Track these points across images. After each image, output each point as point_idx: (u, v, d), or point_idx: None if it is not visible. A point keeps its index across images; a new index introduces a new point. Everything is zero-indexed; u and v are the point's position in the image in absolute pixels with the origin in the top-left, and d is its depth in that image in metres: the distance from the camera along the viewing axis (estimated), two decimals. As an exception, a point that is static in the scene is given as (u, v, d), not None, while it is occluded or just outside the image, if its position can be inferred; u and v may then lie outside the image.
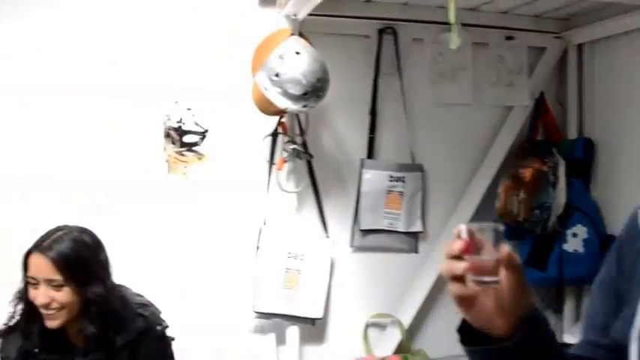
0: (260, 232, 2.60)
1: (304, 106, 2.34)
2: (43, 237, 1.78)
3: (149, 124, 2.56)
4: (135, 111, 2.55)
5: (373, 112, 2.80)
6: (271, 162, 2.63)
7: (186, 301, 2.52)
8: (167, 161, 2.58)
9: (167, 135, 2.55)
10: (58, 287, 1.74)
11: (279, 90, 2.29)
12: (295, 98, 2.30)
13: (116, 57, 2.53)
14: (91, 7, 2.53)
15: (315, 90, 2.32)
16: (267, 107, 2.43)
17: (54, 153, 2.49)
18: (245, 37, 2.58)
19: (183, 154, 2.56)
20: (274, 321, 2.67)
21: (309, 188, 2.70)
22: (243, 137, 2.64)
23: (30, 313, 1.80)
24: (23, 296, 1.81)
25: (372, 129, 2.80)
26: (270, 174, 2.63)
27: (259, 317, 2.64)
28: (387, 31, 2.80)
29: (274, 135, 2.62)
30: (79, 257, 1.78)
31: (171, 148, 2.55)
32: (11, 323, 1.84)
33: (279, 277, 2.62)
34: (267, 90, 2.31)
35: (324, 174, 2.73)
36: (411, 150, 2.82)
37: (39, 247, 1.76)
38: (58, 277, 1.73)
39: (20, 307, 1.83)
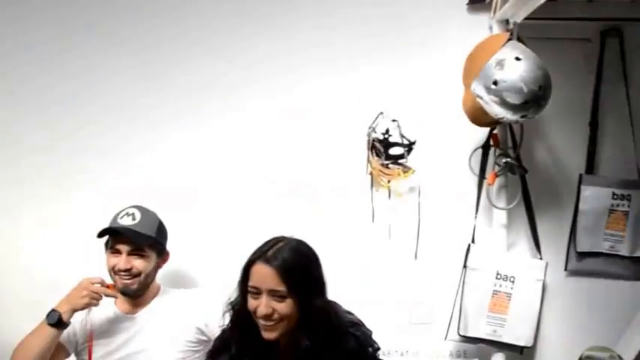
0: (468, 251, 2.45)
1: (523, 117, 2.16)
2: (264, 247, 1.76)
3: (353, 135, 2.52)
4: (340, 122, 2.54)
5: (594, 123, 2.54)
6: (481, 176, 2.46)
7: (386, 321, 2.44)
8: (371, 174, 2.51)
9: (372, 147, 2.48)
10: (281, 298, 1.70)
11: (497, 99, 2.13)
12: (514, 108, 2.12)
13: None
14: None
15: (536, 99, 2.12)
16: (480, 118, 2.28)
17: (264, 163, 2.57)
18: (453, 45, 2.47)
19: (388, 167, 2.48)
20: (479, 346, 2.49)
21: (521, 205, 2.50)
22: (451, 150, 2.51)
23: (244, 323, 1.78)
24: (237, 306, 1.80)
25: (593, 141, 2.54)
26: (479, 189, 2.47)
27: (463, 341, 2.48)
28: (611, 32, 2.54)
29: (485, 148, 2.45)
30: (303, 269, 1.74)
31: (376, 161, 2.48)
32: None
33: (486, 300, 2.44)
34: (483, 99, 2.16)
35: (537, 190, 2.52)
36: (637, 165, 2.52)
37: (263, 256, 1.73)
38: (282, 287, 1.70)
39: (230, 316, 1.82)
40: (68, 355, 2.24)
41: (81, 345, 2.23)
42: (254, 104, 2.58)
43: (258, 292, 1.73)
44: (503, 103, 2.12)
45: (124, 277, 2.18)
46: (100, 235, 2.21)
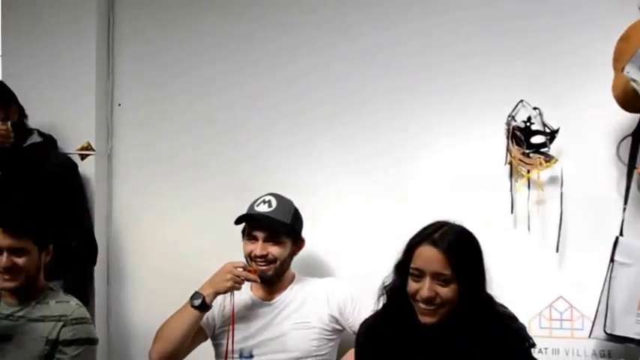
0: (616, 244, 2.31)
1: (682, 100, 2.02)
2: (428, 229, 1.75)
3: (492, 124, 2.46)
4: (479, 111, 2.50)
5: None
6: (631, 165, 2.32)
7: (523, 316, 2.34)
8: (510, 163, 2.44)
9: (512, 136, 2.41)
10: (445, 282, 1.68)
11: (651, 81, 2.01)
12: (672, 90, 2.00)
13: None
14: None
15: (696, 80, 1.99)
16: (631, 103, 2.15)
17: (402, 153, 2.59)
18: (599, 28, 2.36)
19: (529, 156, 2.39)
20: (626, 346, 2.35)
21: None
22: (596, 138, 2.39)
23: (399, 306, 1.77)
24: (392, 289, 1.79)
25: None
26: (629, 178, 2.33)
27: (609, 339, 2.35)
28: None
29: (636, 135, 2.32)
30: (469, 254, 1.73)
31: (517, 150, 2.40)
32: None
33: (637, 296, 2.29)
34: (637, 82, 2.04)
35: (691, 181, 2.35)
36: None
37: (429, 238, 1.71)
38: (447, 271, 1.67)
39: (383, 300, 1.82)
40: (206, 339, 2.31)
41: (218, 329, 2.29)
42: (397, 97, 2.59)
43: (421, 275, 1.70)
44: (660, 86, 2.00)
45: (260, 263, 2.23)
46: (238, 222, 2.27)
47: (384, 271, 2.28)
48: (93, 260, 2.65)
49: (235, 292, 2.25)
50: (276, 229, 2.23)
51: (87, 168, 2.72)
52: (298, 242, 2.32)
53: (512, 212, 2.43)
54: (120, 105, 2.84)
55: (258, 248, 2.22)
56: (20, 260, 2.13)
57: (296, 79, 2.70)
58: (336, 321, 2.25)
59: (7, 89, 2.52)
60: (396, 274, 1.79)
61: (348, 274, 2.52)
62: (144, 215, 2.82)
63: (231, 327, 2.24)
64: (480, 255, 1.76)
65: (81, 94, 2.77)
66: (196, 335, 2.25)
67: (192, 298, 2.18)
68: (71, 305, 2.23)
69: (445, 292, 1.68)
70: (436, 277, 1.68)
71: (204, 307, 2.17)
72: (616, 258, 2.30)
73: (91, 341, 2.21)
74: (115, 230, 2.85)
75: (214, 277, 2.21)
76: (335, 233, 2.59)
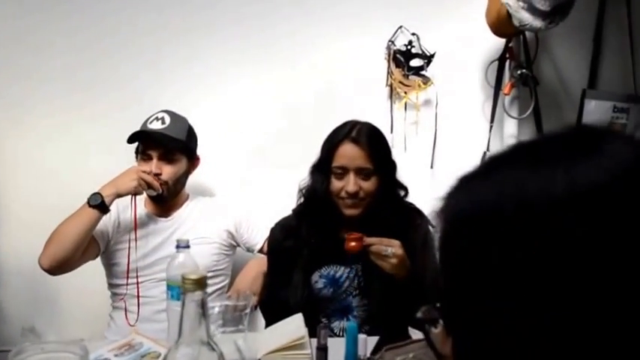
0: (483, 159, 2.55)
1: (550, 23, 2.26)
2: (344, 129, 1.85)
3: (372, 49, 2.58)
4: (359, 37, 2.58)
5: (597, 40, 2.67)
6: (497, 88, 2.57)
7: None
8: (390, 86, 2.57)
9: (393, 59, 2.54)
10: (367, 176, 1.79)
11: (524, 5, 2.22)
12: (542, 15, 2.22)
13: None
14: None
15: (563, 6, 2.23)
16: (503, 28, 2.36)
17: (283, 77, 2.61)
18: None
19: (408, 78, 2.54)
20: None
21: (530, 117, 2.62)
22: (468, 62, 2.60)
23: (318, 206, 1.86)
24: (310, 191, 1.88)
25: (596, 57, 2.68)
26: (495, 100, 2.57)
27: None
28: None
29: (501, 60, 2.55)
30: (385, 148, 1.84)
31: (399, 72, 2.54)
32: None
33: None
34: (511, 7, 2.25)
35: (544, 103, 2.63)
36: (635, 80, 2.68)
37: (348, 137, 1.81)
38: (369, 165, 1.78)
39: (299, 202, 1.93)
40: (98, 253, 2.21)
41: (112, 246, 2.21)
42: (282, 23, 2.59)
43: (344, 172, 1.81)
44: (532, 10, 2.22)
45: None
46: (130, 140, 2.19)
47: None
48: None
49: (128, 209, 2.19)
50: (170, 147, 2.18)
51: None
52: (193, 160, 2.29)
53: (391, 132, 2.57)
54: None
55: (153, 167, 2.16)
56: None
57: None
58: (232, 237, 2.28)
59: None
60: (314, 176, 1.88)
61: (235, 195, 2.54)
62: (17, 139, 2.58)
63: (130, 241, 2.17)
64: (388, 144, 1.93)
65: None
66: (89, 247, 2.13)
67: (90, 197, 2.05)
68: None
69: (368, 185, 1.83)
70: (359, 172, 1.81)
71: (103, 207, 2.05)
72: (483, 171, 2.55)
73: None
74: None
75: (117, 178, 2.11)
76: (223, 156, 2.58)
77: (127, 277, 2.15)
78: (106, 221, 2.17)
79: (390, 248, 1.74)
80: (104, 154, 2.49)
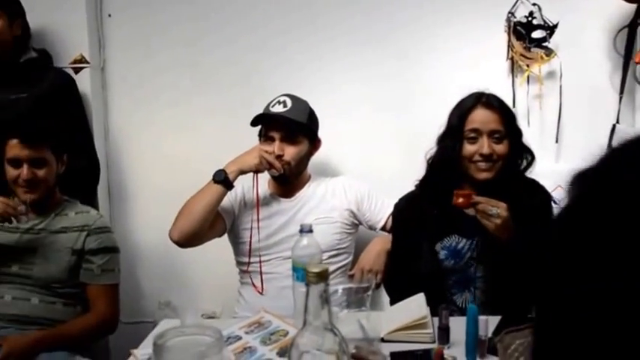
0: (613, 131, 2.44)
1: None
2: (473, 96, 1.92)
3: (491, 21, 2.51)
4: (478, 10, 2.53)
5: None
6: (627, 56, 2.43)
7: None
8: (511, 59, 2.51)
9: (513, 31, 2.47)
10: (499, 140, 1.88)
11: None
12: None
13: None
14: None
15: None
16: (633, -8, 2.24)
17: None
18: None
19: (530, 51, 2.46)
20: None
21: (664, 85, 2.47)
22: (593, 30, 2.47)
23: (446, 172, 1.93)
24: (440, 157, 1.96)
25: None
26: (624, 70, 2.44)
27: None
28: None
29: (632, 26, 2.41)
30: (512, 113, 1.95)
31: (519, 45, 2.46)
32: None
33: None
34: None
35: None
36: None
37: (480, 102, 1.90)
38: (502, 128, 1.88)
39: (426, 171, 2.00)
40: (224, 230, 2.31)
41: (239, 225, 2.31)
42: (399, 4, 2.61)
43: (478, 135, 1.88)
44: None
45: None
46: (254, 123, 2.26)
47: (389, 173, 2.37)
48: (97, 178, 2.62)
49: (252, 190, 2.27)
50: (292, 128, 2.24)
51: (81, 82, 2.63)
52: (315, 142, 2.34)
53: (513, 107, 2.50)
54: (110, 15, 2.74)
55: (275, 148, 2.22)
56: (40, 172, 2.09)
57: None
58: (354, 215, 2.32)
59: (19, 2, 2.42)
60: (443, 143, 1.95)
61: (356, 175, 2.57)
62: (143, 130, 2.77)
63: (253, 221, 2.26)
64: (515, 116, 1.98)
65: (71, 5, 2.65)
66: (215, 222, 2.24)
67: (215, 174, 2.16)
68: (92, 215, 2.22)
69: (500, 148, 1.89)
70: (492, 134, 1.88)
71: (227, 183, 2.15)
72: (613, 144, 2.43)
73: (116, 249, 2.21)
74: (113, 146, 2.79)
75: (240, 155, 2.21)
76: (343, 138, 2.62)
77: (250, 255, 2.25)
78: (232, 200, 2.28)
79: (495, 209, 1.78)
80: (227, 141, 2.60)
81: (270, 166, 2.19)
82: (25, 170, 2.06)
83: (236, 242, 2.34)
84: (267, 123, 2.26)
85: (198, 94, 2.71)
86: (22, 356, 1.92)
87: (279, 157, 2.21)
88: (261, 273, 2.25)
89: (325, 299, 1.04)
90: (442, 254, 1.96)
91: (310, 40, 2.65)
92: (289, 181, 2.30)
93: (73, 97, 2.54)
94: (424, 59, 2.60)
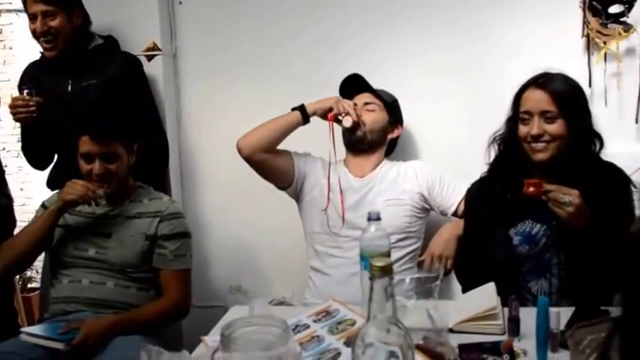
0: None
1: None
2: (534, 77, 1.88)
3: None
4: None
5: None
6: None
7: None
8: (587, 36, 2.40)
9: (589, 7, 2.36)
10: (551, 120, 1.82)
11: None
12: None
13: None
14: None
15: None
16: None
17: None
18: None
19: (607, 27, 2.35)
20: None
21: None
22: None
23: (510, 154, 1.92)
24: (503, 138, 1.94)
25: None
26: None
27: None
28: None
29: None
30: (572, 93, 1.86)
31: (595, 21, 2.35)
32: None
33: None
34: None
35: None
36: None
37: (534, 82, 1.86)
38: (552, 108, 1.82)
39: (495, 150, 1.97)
40: (289, 181, 2.36)
41: (307, 190, 2.36)
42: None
43: (530, 116, 1.85)
44: None
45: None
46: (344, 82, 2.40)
47: (467, 157, 2.32)
48: (167, 158, 2.68)
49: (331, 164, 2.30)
50: (378, 93, 2.35)
51: (154, 69, 2.69)
52: (395, 124, 2.39)
53: (589, 86, 2.41)
54: (181, 3, 2.77)
55: (356, 101, 2.34)
56: (112, 166, 2.15)
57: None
58: (425, 200, 2.30)
59: None
60: (506, 126, 1.93)
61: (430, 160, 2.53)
62: (214, 117, 2.81)
63: (325, 184, 2.32)
64: (583, 94, 1.90)
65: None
66: (285, 157, 2.34)
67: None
68: (165, 201, 2.27)
69: (553, 128, 1.83)
70: (543, 115, 1.83)
71: (304, 113, 2.26)
72: None
73: (188, 235, 2.25)
74: (185, 132, 2.85)
75: (319, 100, 2.30)
76: (417, 123, 2.60)
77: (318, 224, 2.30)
78: (307, 158, 2.38)
79: (567, 196, 1.71)
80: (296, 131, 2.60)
81: (345, 113, 2.26)
82: (97, 165, 2.13)
83: (307, 211, 2.37)
84: (349, 87, 2.36)
85: (270, 83, 2.73)
86: (99, 339, 1.97)
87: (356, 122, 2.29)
88: (319, 263, 2.30)
89: (390, 293, 1.02)
90: (516, 240, 1.91)
91: (383, 26, 2.63)
92: (361, 142, 2.33)
93: (140, 80, 2.59)
94: (498, 39, 2.53)
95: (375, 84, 2.38)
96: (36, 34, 2.43)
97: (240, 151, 2.27)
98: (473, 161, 2.08)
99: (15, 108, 2.38)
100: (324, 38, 2.67)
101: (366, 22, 2.64)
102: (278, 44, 2.72)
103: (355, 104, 2.32)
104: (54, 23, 2.40)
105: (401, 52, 2.63)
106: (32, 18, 2.41)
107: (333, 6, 2.66)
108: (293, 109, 2.28)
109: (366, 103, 2.34)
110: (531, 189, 1.76)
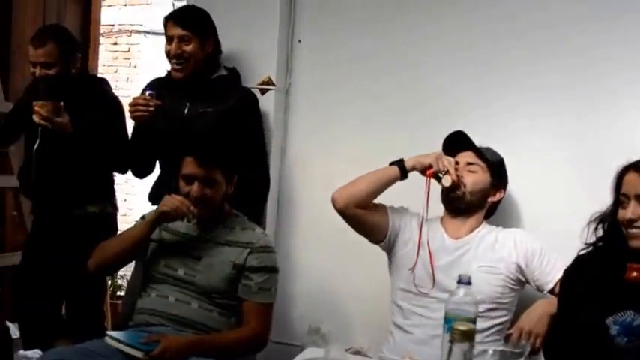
0: None
1: None
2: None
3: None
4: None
5: None
6: None
7: None
8: None
9: None
10: None
11: None
12: None
13: None
14: None
15: None
16: None
17: None
18: None
19: None
20: None
21: None
22: None
23: (611, 237, 1.82)
24: (606, 220, 1.84)
25: None
26: None
27: None
28: None
29: None
30: None
31: None
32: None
33: None
34: None
35: None
36: None
37: (634, 165, 1.78)
38: None
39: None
40: (382, 236, 2.32)
41: (399, 246, 2.31)
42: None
43: (626, 200, 1.78)
44: None
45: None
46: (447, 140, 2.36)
47: (576, 231, 2.20)
48: (266, 195, 2.72)
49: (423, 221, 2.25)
50: (482, 152, 2.28)
51: (266, 103, 2.75)
52: (498, 187, 2.32)
53: None
54: (300, 41, 2.84)
55: (458, 159, 2.26)
56: (209, 191, 2.21)
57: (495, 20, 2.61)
58: (521, 271, 2.20)
59: (210, 20, 2.60)
60: (609, 207, 1.86)
61: (534, 229, 2.43)
62: (318, 155, 2.83)
63: (416, 242, 2.26)
64: None
65: (264, 27, 2.80)
66: (380, 211, 2.32)
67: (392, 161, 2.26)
68: (257, 233, 2.30)
69: None
70: (638, 198, 1.75)
71: (402, 169, 2.23)
72: None
73: (275, 269, 2.27)
74: (288, 167, 2.89)
75: (419, 155, 2.26)
76: (522, 187, 2.50)
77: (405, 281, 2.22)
78: (402, 213, 2.34)
79: None
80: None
81: (445, 172, 2.20)
82: (195, 187, 2.19)
83: (394, 270, 2.33)
84: (452, 144, 2.32)
85: (380, 128, 2.73)
86: (176, 355, 2.01)
87: (458, 179, 2.24)
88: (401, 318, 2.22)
89: (469, 359, 0.98)
90: (614, 329, 1.77)
91: (495, 78, 2.59)
92: (460, 203, 2.26)
93: (254, 116, 2.66)
94: (626, 110, 2.43)
95: (481, 140, 2.33)
96: (169, 55, 2.56)
97: (334, 203, 2.27)
98: (570, 235, 1.99)
99: (135, 106, 2.51)
100: (440, 90, 2.65)
101: (484, 78, 2.60)
102: (392, 92, 2.72)
103: (457, 163, 2.27)
104: (188, 48, 2.53)
105: (513, 111, 2.57)
106: (169, 40, 2.55)
107: (451, 57, 2.65)
108: (391, 164, 2.25)
109: (469, 164, 2.28)
110: (634, 274, 1.67)
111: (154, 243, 2.29)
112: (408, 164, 2.23)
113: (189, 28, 2.53)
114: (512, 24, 2.57)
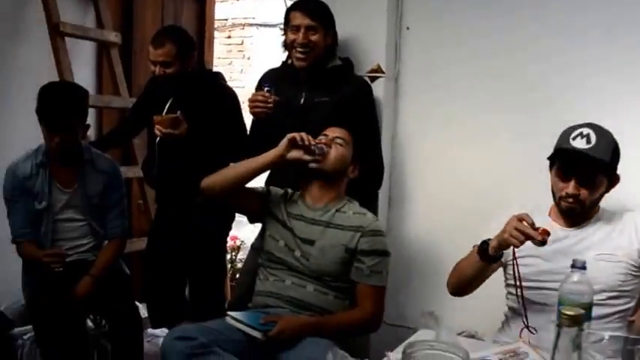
0: None
1: None
2: None
3: None
4: None
5: None
6: None
7: None
8: None
9: None
10: None
11: None
12: None
13: None
14: None
15: None
16: None
17: None
18: None
19: None
20: None
21: None
22: None
23: None
24: None
25: None
26: None
27: None
28: None
29: None
30: None
31: None
32: None
33: None
34: None
35: None
36: None
37: None
38: None
39: None
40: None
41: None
42: None
43: None
44: None
45: (570, 202, 2.09)
46: (551, 157, 2.14)
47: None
48: (380, 183, 2.75)
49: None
50: (593, 171, 2.07)
51: (376, 90, 2.79)
52: (613, 180, 2.15)
53: None
54: (408, 29, 2.85)
55: (570, 188, 2.07)
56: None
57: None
58: None
59: (329, 13, 2.67)
60: None
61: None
62: (428, 139, 2.86)
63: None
64: None
65: (372, 16, 2.84)
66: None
67: (480, 243, 2.09)
68: (368, 217, 2.34)
69: None
70: None
71: (486, 255, 2.06)
72: None
73: (386, 253, 2.30)
74: (399, 153, 2.92)
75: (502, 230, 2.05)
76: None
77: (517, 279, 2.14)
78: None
79: None
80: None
81: (526, 238, 1.96)
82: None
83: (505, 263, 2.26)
84: (564, 158, 2.12)
85: (488, 111, 2.71)
86: (292, 335, 2.11)
87: (574, 198, 2.07)
88: (523, 305, 2.14)
89: (577, 344, 0.97)
90: None
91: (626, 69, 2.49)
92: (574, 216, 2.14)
93: (369, 105, 2.71)
94: None
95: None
96: (292, 45, 2.64)
97: None
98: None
99: (254, 102, 2.61)
100: (553, 72, 2.59)
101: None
102: (503, 72, 2.69)
103: (569, 177, 2.08)
104: (314, 37, 2.61)
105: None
106: (294, 29, 2.63)
107: (568, 35, 2.58)
108: (478, 248, 2.10)
109: (583, 177, 2.07)
110: None
111: (278, 224, 2.37)
112: (491, 249, 2.05)
113: (317, 19, 2.62)
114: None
